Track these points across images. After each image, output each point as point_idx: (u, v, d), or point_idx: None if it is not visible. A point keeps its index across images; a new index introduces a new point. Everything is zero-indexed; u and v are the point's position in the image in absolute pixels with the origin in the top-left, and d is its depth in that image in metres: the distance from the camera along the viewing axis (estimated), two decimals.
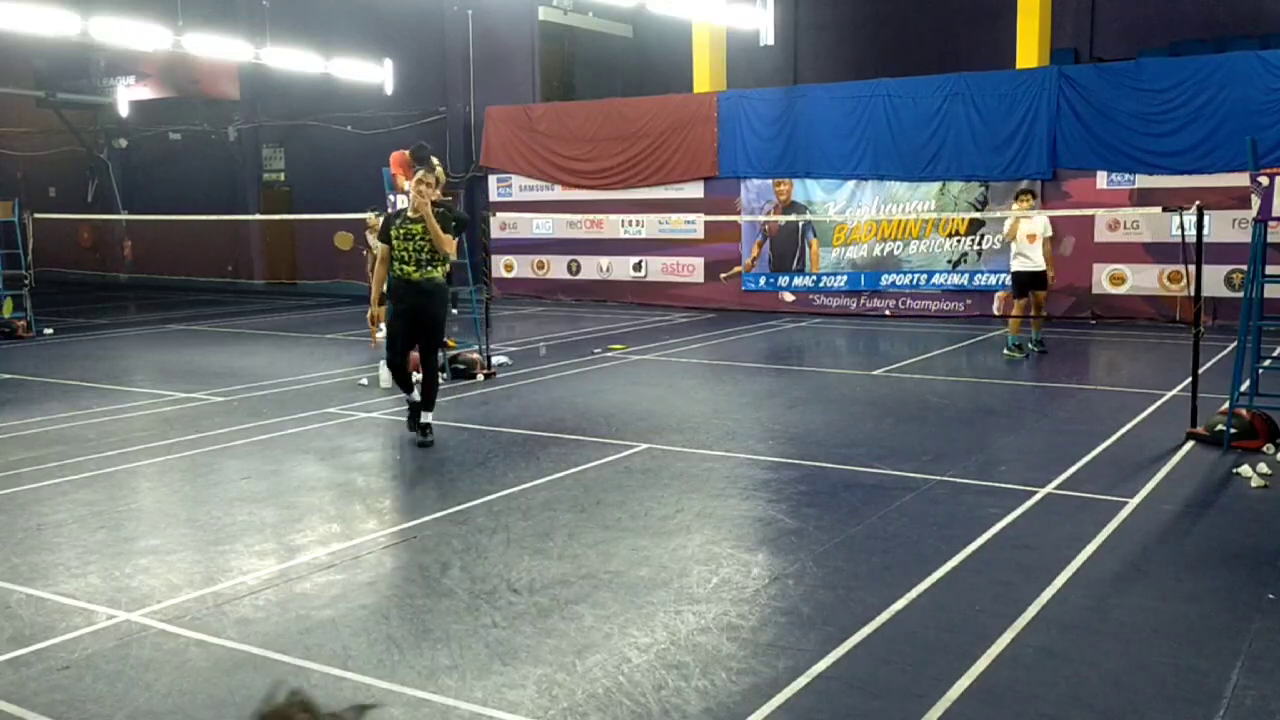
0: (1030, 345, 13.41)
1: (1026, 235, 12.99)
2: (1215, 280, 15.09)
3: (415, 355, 12.18)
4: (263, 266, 25.92)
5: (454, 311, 14.01)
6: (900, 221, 17.81)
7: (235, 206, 25.01)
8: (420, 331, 8.94)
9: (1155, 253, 16.20)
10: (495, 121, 21.62)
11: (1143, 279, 16.33)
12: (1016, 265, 13.09)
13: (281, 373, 12.74)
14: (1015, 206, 13.20)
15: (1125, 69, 16.48)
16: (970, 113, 17.21)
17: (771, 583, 5.58)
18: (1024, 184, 15.38)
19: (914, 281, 18.03)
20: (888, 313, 17.98)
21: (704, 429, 9.35)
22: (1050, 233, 13.08)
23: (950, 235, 17.47)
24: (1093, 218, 16.18)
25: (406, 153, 12.56)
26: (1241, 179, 13.46)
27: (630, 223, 20.22)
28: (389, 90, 21.36)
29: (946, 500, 7.04)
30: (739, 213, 19.20)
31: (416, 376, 9.12)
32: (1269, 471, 7.45)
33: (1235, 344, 8.72)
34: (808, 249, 18.92)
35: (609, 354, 13.96)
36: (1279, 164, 14.21)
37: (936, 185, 17.66)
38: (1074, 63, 18.73)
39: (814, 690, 4.36)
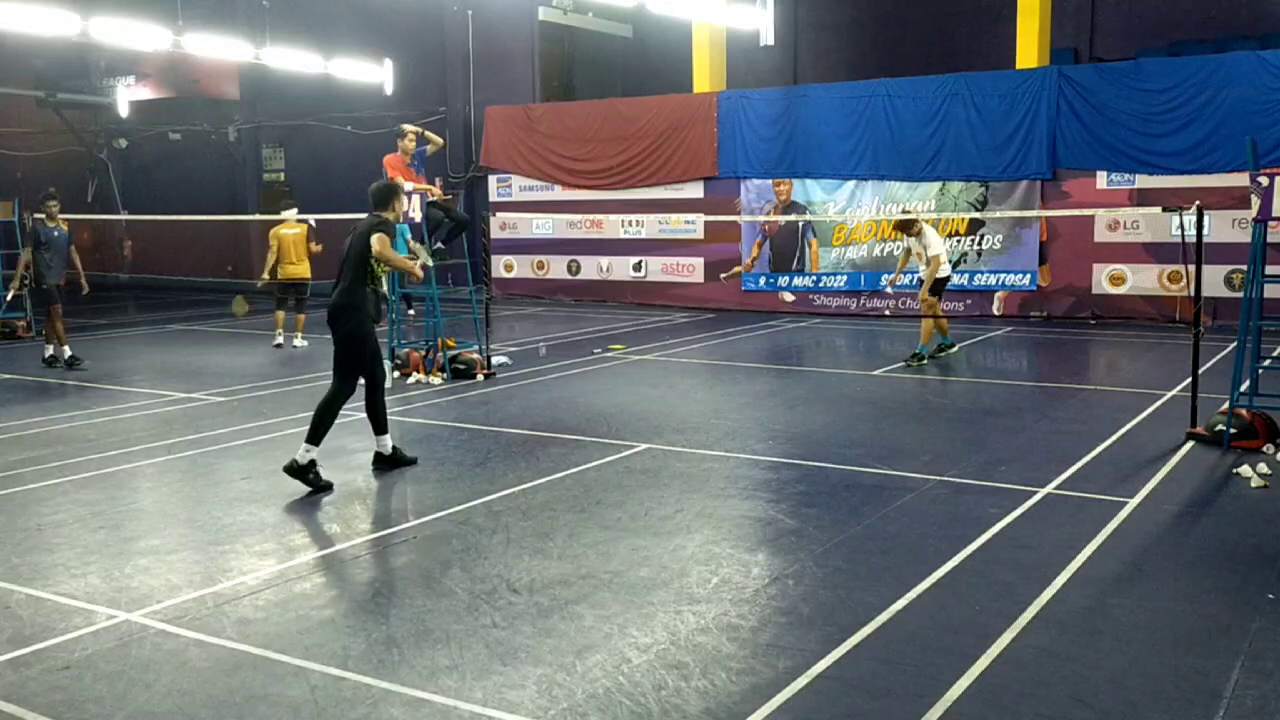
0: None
1: (915, 254, 13.10)
2: (1215, 280, 15.10)
3: (417, 355, 12.28)
4: (263, 267, 25.86)
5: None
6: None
7: (235, 206, 25.01)
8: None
9: (1155, 253, 16.20)
10: (495, 121, 21.61)
11: (1143, 279, 16.33)
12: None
13: (281, 373, 12.75)
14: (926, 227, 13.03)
15: (1125, 69, 16.48)
16: (970, 113, 17.21)
17: (771, 583, 5.58)
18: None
19: (914, 282, 17.98)
20: (887, 312, 17.97)
21: (704, 429, 9.35)
22: (931, 252, 12.68)
23: (950, 235, 17.45)
24: (1093, 218, 16.18)
25: (399, 147, 12.60)
26: (1241, 179, 13.46)
27: (630, 223, 20.21)
28: (389, 90, 21.33)
29: (946, 500, 7.04)
30: (739, 213, 19.20)
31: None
32: (1269, 471, 7.45)
33: (1235, 344, 8.72)
34: (808, 249, 18.92)
35: (609, 354, 13.96)
36: (1279, 164, 14.22)
37: (936, 185, 17.65)
38: (1074, 63, 18.74)
39: (814, 690, 4.36)
